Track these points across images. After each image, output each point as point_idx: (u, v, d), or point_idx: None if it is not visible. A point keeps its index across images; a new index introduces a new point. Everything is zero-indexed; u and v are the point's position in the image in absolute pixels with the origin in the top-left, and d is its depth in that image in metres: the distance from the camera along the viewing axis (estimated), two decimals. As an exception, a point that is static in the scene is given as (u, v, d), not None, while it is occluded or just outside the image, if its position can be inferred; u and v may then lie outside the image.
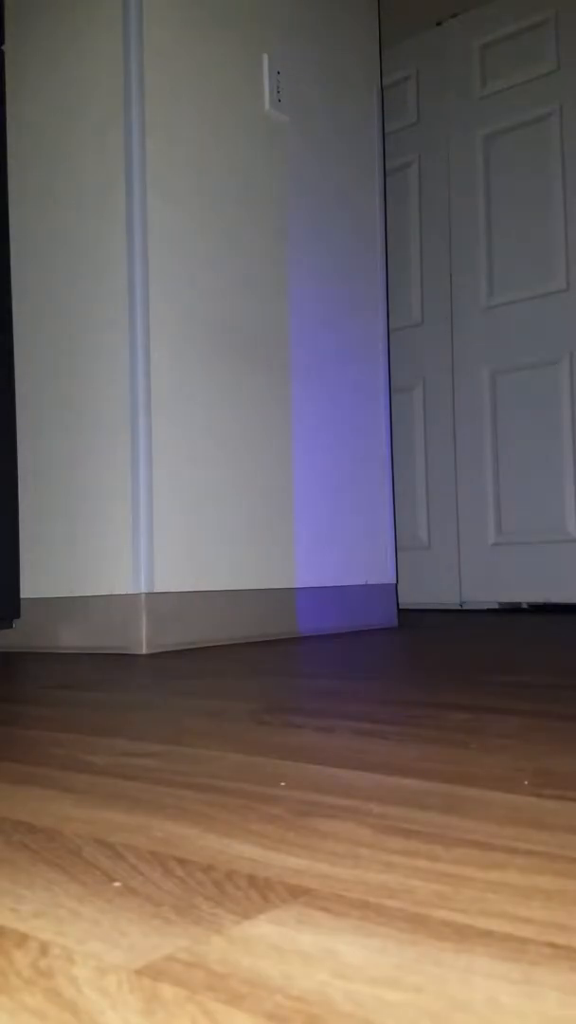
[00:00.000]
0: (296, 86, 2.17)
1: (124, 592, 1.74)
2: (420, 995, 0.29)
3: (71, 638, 1.82)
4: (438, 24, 3.26)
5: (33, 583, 1.89)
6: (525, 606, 3.03)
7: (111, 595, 1.76)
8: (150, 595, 1.73)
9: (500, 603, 3.07)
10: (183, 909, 0.38)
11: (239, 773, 0.64)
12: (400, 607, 3.29)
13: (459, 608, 3.14)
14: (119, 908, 0.39)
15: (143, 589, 1.72)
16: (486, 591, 3.07)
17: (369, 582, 2.27)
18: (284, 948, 0.34)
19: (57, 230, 1.90)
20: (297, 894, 0.40)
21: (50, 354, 1.90)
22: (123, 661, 1.58)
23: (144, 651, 1.72)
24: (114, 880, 0.43)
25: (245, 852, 0.46)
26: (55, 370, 1.89)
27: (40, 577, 1.88)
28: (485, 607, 3.10)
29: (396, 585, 2.38)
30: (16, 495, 1.86)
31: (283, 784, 0.60)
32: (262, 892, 0.40)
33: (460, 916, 0.36)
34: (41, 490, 1.89)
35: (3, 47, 1.95)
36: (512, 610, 3.03)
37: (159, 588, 1.74)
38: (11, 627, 1.90)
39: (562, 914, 0.36)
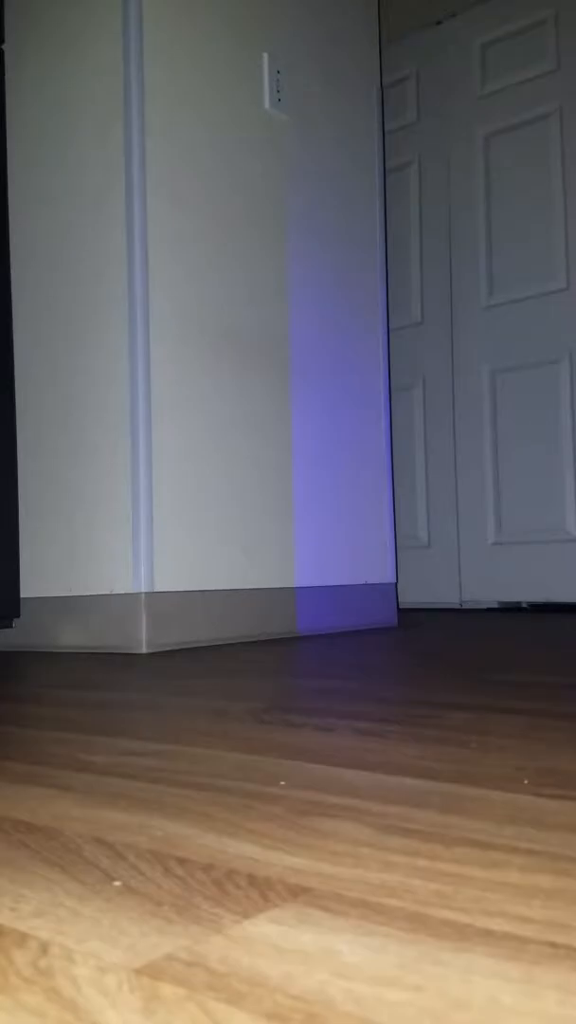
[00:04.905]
0: (296, 85, 2.17)
1: (124, 591, 1.74)
2: (420, 994, 0.29)
3: (71, 637, 1.82)
4: (438, 23, 3.26)
5: (33, 582, 1.89)
6: (525, 606, 3.03)
7: (111, 594, 1.76)
8: (150, 594, 1.73)
9: (500, 602, 3.07)
10: (183, 908, 0.38)
11: (239, 772, 0.64)
12: (400, 607, 3.29)
13: (459, 608, 3.14)
14: (119, 907, 0.39)
15: (143, 588, 1.72)
16: (486, 590, 3.07)
17: (369, 582, 2.27)
18: (284, 947, 0.34)
19: (57, 230, 1.90)
20: (297, 893, 0.40)
21: (50, 354, 1.90)
22: (123, 660, 1.58)
23: (144, 650, 1.72)
24: (114, 879, 0.42)
25: (245, 851, 0.46)
26: (55, 370, 1.89)
27: (40, 576, 1.88)
28: (485, 606, 3.10)
29: (396, 585, 2.38)
30: (16, 495, 1.86)
31: (283, 783, 0.60)
32: (262, 891, 0.40)
33: (460, 915, 0.36)
34: (41, 490, 1.89)
35: (3, 47, 1.95)
36: (512, 609, 3.03)
37: (159, 587, 1.74)
38: (11, 627, 1.90)
39: (562, 914, 0.36)
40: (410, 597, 3.25)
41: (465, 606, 3.13)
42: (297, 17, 2.19)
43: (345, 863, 0.44)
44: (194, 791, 0.59)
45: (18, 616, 1.85)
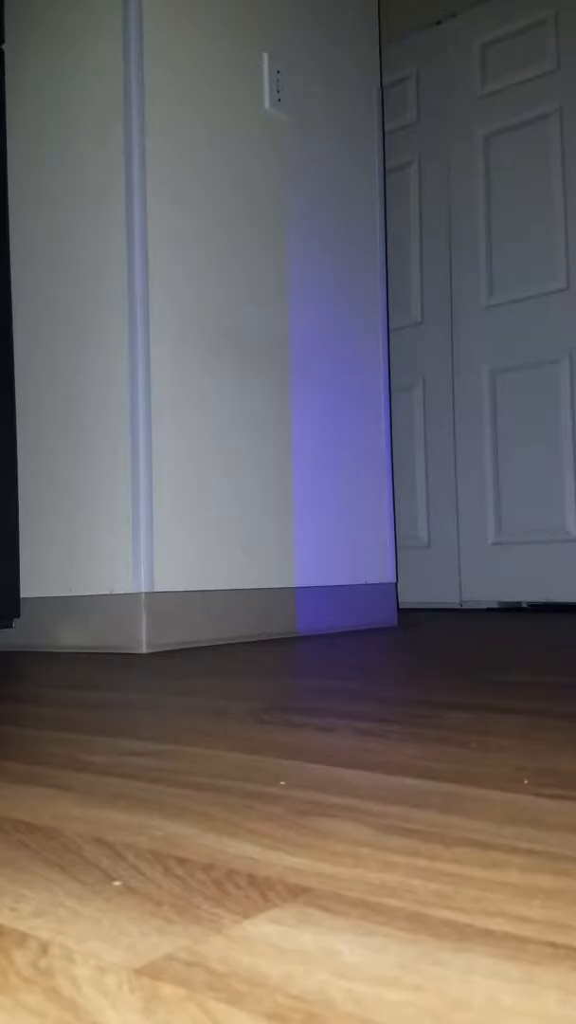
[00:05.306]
0: (296, 85, 2.17)
1: (124, 591, 1.74)
2: (420, 994, 0.29)
3: (71, 637, 1.82)
4: (438, 23, 3.26)
5: (33, 582, 1.89)
6: (525, 606, 3.03)
7: (111, 594, 1.76)
8: (150, 594, 1.73)
9: (500, 602, 3.07)
10: (183, 908, 0.38)
11: (239, 772, 0.64)
12: (400, 607, 3.29)
13: (459, 608, 3.14)
14: (119, 907, 0.39)
15: (143, 588, 1.72)
16: (486, 590, 3.07)
17: (369, 582, 2.27)
18: (284, 947, 0.34)
19: (57, 230, 1.90)
20: (297, 893, 0.40)
21: (50, 354, 1.90)
22: (123, 660, 1.58)
23: (144, 650, 1.72)
24: (114, 879, 0.42)
25: (245, 851, 0.46)
26: (55, 370, 1.89)
27: (40, 576, 1.88)
28: (485, 606, 3.10)
29: (396, 585, 2.38)
30: (16, 495, 1.86)
31: (283, 783, 0.60)
32: (262, 891, 0.40)
33: (460, 915, 0.36)
34: (41, 490, 1.89)
35: (3, 47, 1.95)
36: (512, 609, 3.03)
37: (159, 587, 1.74)
38: (11, 627, 1.90)
39: (562, 914, 0.36)
40: (410, 597, 3.25)
41: (465, 606, 3.13)
42: (297, 17, 2.19)
43: (345, 863, 0.44)
44: (194, 791, 0.59)
45: (18, 616, 1.85)
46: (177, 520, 1.79)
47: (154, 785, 0.61)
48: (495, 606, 3.08)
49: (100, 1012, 0.29)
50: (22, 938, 0.36)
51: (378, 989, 0.30)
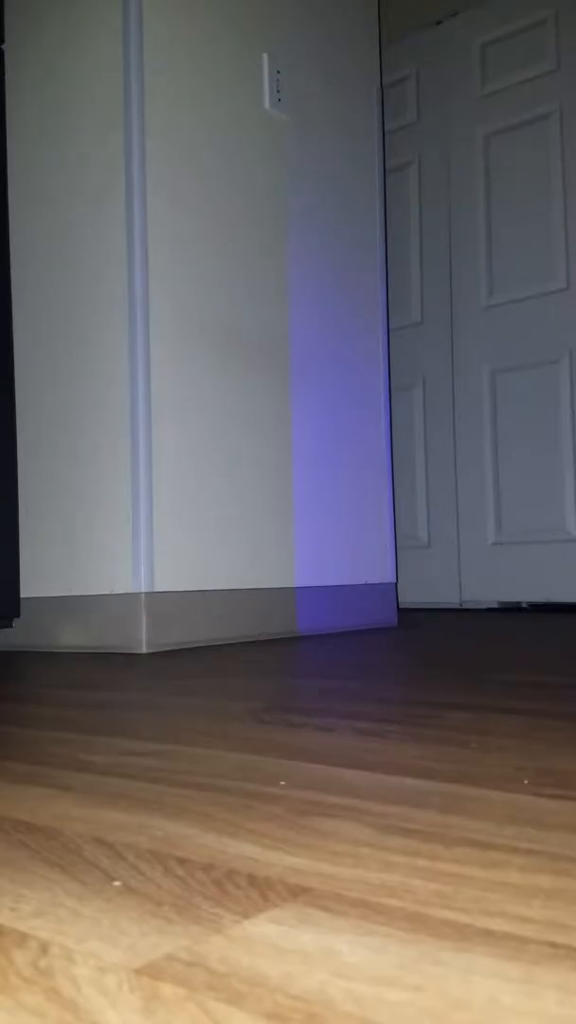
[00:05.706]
0: (296, 85, 2.17)
1: (124, 591, 1.74)
2: (420, 994, 0.29)
3: (71, 637, 1.82)
4: (438, 23, 3.26)
5: (33, 582, 1.89)
6: (525, 606, 3.03)
7: (111, 594, 1.76)
8: (150, 594, 1.73)
9: (500, 602, 3.07)
10: (183, 908, 0.38)
11: (239, 772, 0.64)
12: (400, 606, 3.29)
13: (459, 608, 3.14)
14: (119, 907, 0.39)
15: (143, 588, 1.72)
16: (486, 590, 3.07)
17: (369, 582, 2.27)
18: (284, 947, 0.34)
19: (57, 230, 1.90)
20: (297, 893, 0.40)
21: (50, 354, 1.90)
22: (123, 660, 1.58)
23: (144, 650, 1.72)
24: (114, 879, 0.42)
25: (245, 851, 0.46)
26: (55, 370, 1.88)
27: (40, 576, 1.88)
28: (485, 606, 3.10)
29: (396, 584, 2.38)
30: (16, 495, 1.86)
31: (283, 783, 0.60)
32: (262, 891, 0.40)
33: (460, 915, 0.36)
34: (41, 490, 1.89)
35: (3, 47, 1.95)
36: (512, 609, 3.03)
37: (159, 587, 1.74)
38: (11, 627, 1.90)
39: (562, 914, 0.36)
40: (410, 597, 3.25)
41: (465, 606, 3.13)
42: (297, 17, 2.19)
43: (345, 863, 0.44)
44: (194, 791, 0.59)
45: (18, 616, 1.85)
46: (177, 520, 1.79)
47: (154, 785, 0.61)
48: (495, 606, 3.08)
49: (100, 1012, 0.29)
50: (22, 938, 0.36)
51: (378, 989, 0.30)
